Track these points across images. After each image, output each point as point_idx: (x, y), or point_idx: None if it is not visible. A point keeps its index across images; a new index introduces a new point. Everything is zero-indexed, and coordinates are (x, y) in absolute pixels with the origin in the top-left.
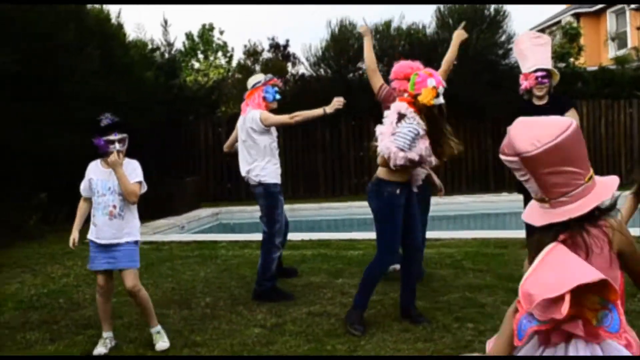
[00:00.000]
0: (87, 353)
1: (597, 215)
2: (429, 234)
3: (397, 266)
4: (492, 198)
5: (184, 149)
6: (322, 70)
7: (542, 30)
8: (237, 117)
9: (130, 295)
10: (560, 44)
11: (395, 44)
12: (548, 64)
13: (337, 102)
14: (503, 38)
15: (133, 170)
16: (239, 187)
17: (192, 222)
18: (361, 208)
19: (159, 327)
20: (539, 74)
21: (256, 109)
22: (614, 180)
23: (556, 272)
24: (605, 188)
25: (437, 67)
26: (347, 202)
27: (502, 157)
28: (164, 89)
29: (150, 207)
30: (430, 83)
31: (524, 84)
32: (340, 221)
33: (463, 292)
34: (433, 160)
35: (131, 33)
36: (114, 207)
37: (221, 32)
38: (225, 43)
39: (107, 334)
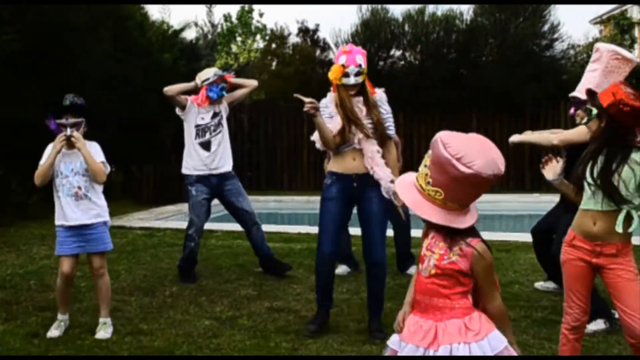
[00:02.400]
0: (33, 334)
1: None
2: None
3: (343, 269)
4: (518, 198)
5: None
6: None
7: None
8: (261, 103)
9: (93, 276)
10: (611, 36)
11: (429, 31)
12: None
13: None
14: (546, 28)
15: (95, 152)
16: (259, 176)
17: None
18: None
19: (107, 319)
20: (575, 103)
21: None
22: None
23: None
24: (474, 212)
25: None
26: None
27: (460, 166)
28: (186, 73)
29: (160, 192)
30: (341, 60)
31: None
32: None
33: None
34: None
35: (154, 13)
36: (79, 188)
37: (260, 15)
38: (264, 26)
39: (62, 317)
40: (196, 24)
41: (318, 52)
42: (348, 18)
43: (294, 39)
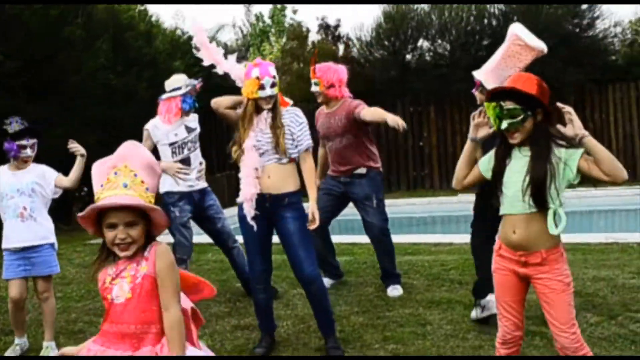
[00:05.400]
0: None
1: None
2: (446, 238)
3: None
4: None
5: (221, 143)
6: (375, 52)
7: None
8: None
9: (38, 299)
10: None
11: (458, 19)
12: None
13: None
14: (584, 6)
15: (48, 172)
16: None
17: None
18: (418, 206)
19: (51, 343)
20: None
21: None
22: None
23: None
24: None
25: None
26: (403, 198)
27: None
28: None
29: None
30: (254, 73)
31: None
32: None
33: (417, 307)
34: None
35: (167, 20)
36: (25, 208)
37: (294, 12)
38: (299, 24)
39: (19, 340)
40: (234, 25)
41: (341, 49)
42: (371, 9)
43: (314, 37)
